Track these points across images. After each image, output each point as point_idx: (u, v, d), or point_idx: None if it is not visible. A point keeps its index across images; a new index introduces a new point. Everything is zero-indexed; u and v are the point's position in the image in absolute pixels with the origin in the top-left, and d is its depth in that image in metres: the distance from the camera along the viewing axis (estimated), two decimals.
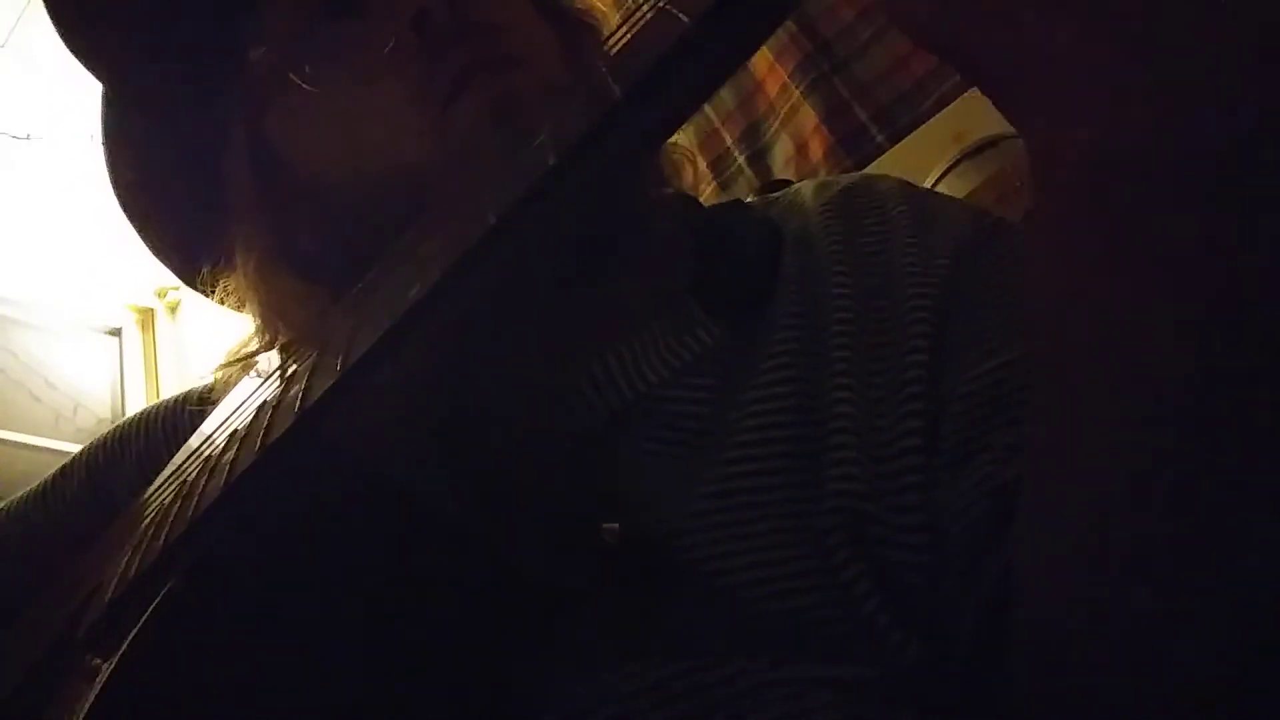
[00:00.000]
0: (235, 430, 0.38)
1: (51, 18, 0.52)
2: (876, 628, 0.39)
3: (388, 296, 0.32)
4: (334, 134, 0.49)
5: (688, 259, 0.51)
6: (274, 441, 0.32)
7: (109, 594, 0.38)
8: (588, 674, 0.39)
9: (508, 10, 0.50)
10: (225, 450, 0.37)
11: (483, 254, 0.29)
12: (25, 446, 2.34)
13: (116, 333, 2.85)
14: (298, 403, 0.32)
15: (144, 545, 0.38)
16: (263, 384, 0.40)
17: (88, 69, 0.55)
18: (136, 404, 2.64)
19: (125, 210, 0.57)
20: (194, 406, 0.58)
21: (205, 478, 0.37)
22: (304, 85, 0.49)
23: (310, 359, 0.35)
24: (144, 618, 0.34)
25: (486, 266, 0.29)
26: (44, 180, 2.44)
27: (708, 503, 0.41)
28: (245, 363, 0.52)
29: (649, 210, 0.54)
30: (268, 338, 0.52)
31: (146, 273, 2.53)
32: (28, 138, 2.40)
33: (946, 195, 0.57)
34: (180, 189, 0.55)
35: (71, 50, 0.53)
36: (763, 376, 0.44)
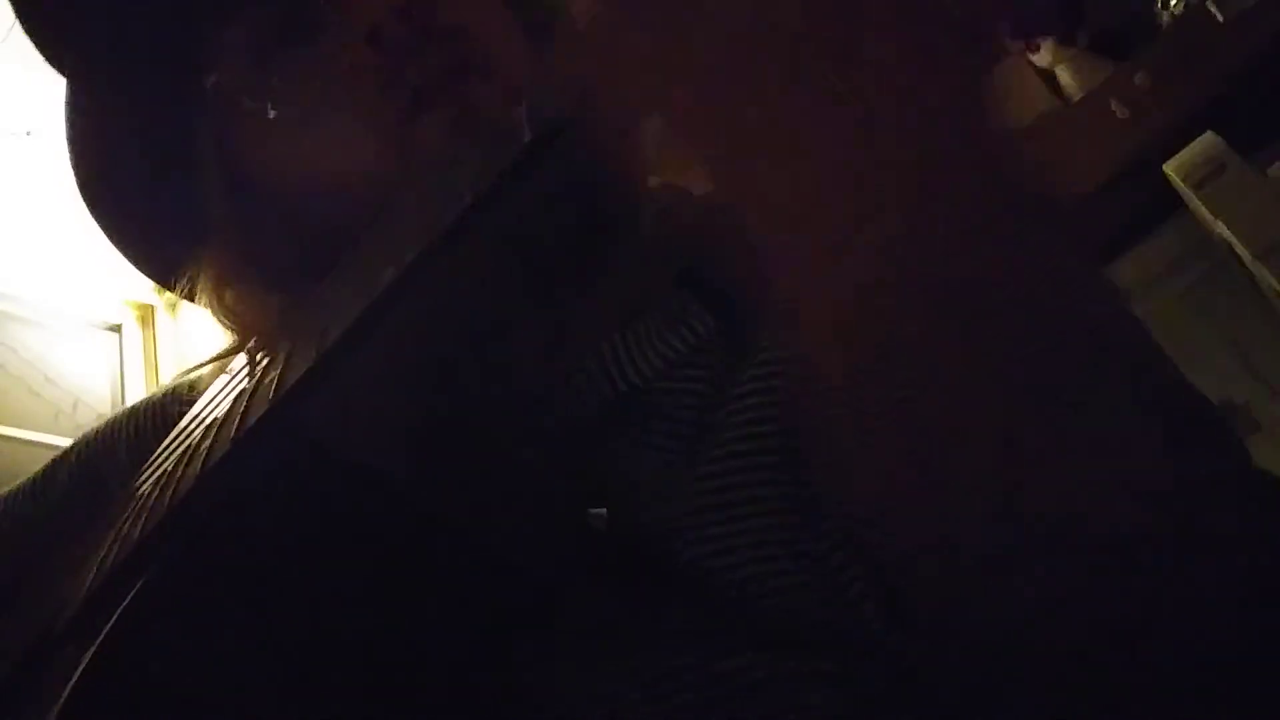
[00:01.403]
0: (214, 419, 0.38)
1: (14, 8, 0.52)
2: (872, 625, 0.38)
3: (361, 281, 0.32)
4: (296, 154, 0.49)
5: (679, 250, 0.51)
6: (249, 428, 0.32)
7: (86, 586, 0.38)
8: (588, 669, 0.38)
9: (473, 12, 0.49)
10: (203, 439, 0.37)
11: (458, 235, 0.29)
12: (25, 442, 2.34)
13: (116, 329, 2.85)
14: (272, 389, 0.31)
15: (122, 536, 0.38)
16: (239, 374, 0.40)
17: (51, 64, 0.54)
18: (136, 400, 2.65)
19: (93, 213, 0.57)
20: (184, 398, 0.58)
21: (183, 467, 0.36)
22: (264, 111, 0.48)
23: (284, 350, 0.35)
24: (120, 609, 0.34)
25: (462, 249, 0.28)
26: (44, 176, 2.44)
27: (702, 499, 0.41)
28: (223, 362, 0.52)
29: (639, 201, 0.53)
30: (242, 341, 0.52)
31: None
32: (28, 134, 2.40)
33: None
34: (149, 196, 0.55)
35: (35, 43, 0.53)
36: (755, 369, 0.44)
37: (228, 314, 0.52)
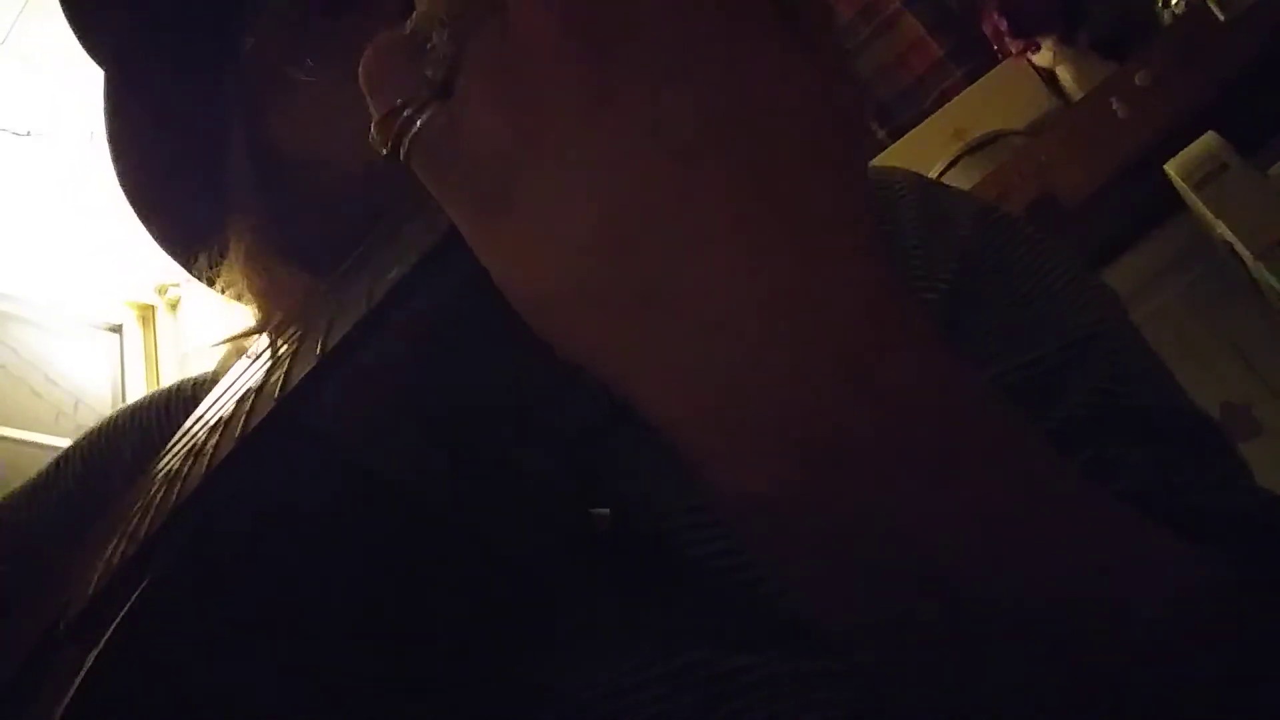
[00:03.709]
0: (220, 418, 0.38)
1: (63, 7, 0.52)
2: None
3: (368, 279, 0.32)
4: (332, 127, 0.49)
5: None
6: (253, 428, 0.32)
7: (92, 585, 0.38)
8: (591, 667, 0.38)
9: None
10: (208, 438, 0.36)
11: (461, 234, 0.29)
12: (26, 443, 2.34)
13: (117, 329, 2.85)
14: (277, 389, 0.31)
15: (128, 535, 0.38)
16: (247, 370, 0.40)
17: (90, 55, 0.55)
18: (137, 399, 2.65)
19: (129, 198, 0.57)
20: (187, 397, 0.58)
21: (188, 466, 0.36)
22: (301, 78, 0.48)
23: (293, 344, 0.35)
24: (126, 609, 0.34)
25: (467, 249, 0.28)
26: (45, 177, 2.44)
27: (707, 498, 0.41)
28: (239, 345, 0.52)
29: None
30: (262, 322, 0.52)
31: (147, 269, 2.54)
32: (28, 134, 2.40)
33: (954, 189, 0.57)
34: (182, 177, 0.55)
35: (78, 35, 0.53)
36: None
37: (254, 292, 0.51)
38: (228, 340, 0.52)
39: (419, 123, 0.26)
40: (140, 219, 0.57)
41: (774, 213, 0.24)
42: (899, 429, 0.24)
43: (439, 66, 0.26)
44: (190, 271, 0.57)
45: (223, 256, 0.53)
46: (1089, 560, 0.26)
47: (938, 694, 0.27)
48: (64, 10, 0.52)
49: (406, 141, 0.27)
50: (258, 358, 0.40)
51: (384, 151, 0.27)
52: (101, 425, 0.61)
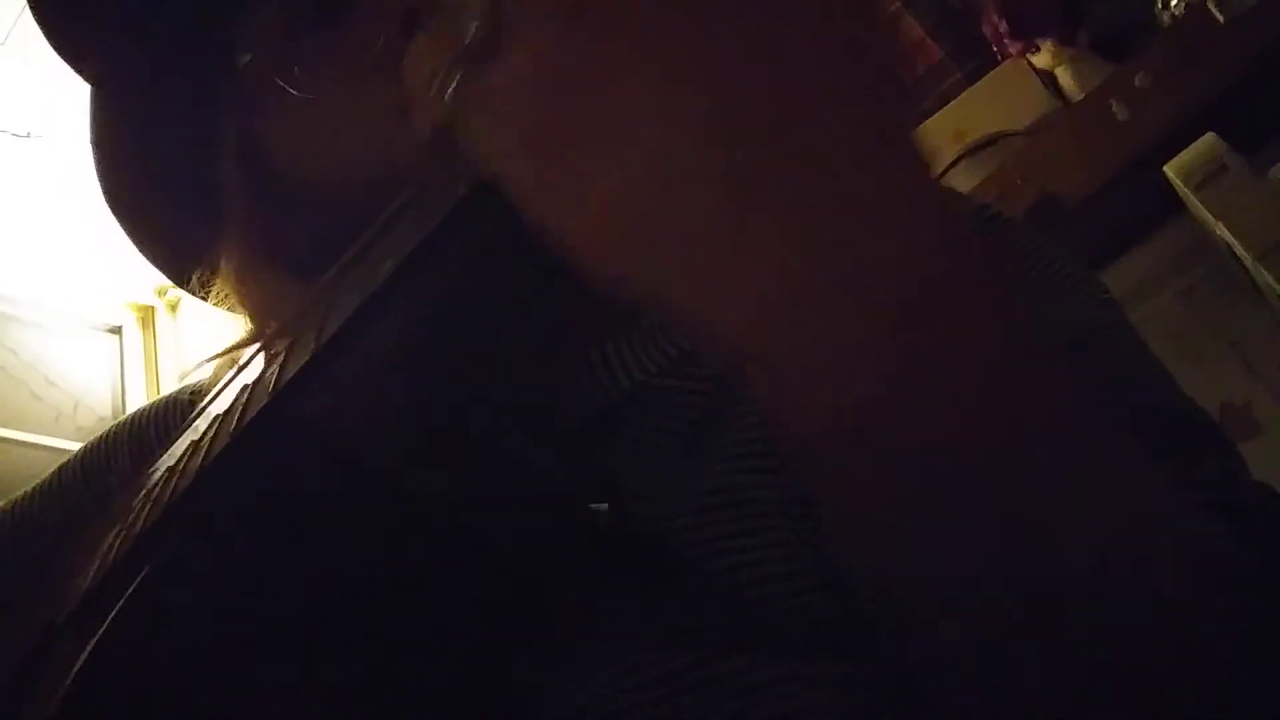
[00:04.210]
0: (216, 413, 0.38)
1: (35, 16, 0.52)
2: (878, 629, 0.38)
3: (361, 274, 0.31)
4: (326, 138, 0.49)
5: None
6: (247, 422, 0.32)
7: (88, 581, 0.38)
8: (587, 668, 0.38)
9: None
10: (205, 433, 0.36)
11: (455, 226, 0.29)
12: (25, 444, 2.34)
13: (117, 330, 2.85)
14: (272, 382, 0.31)
15: (125, 530, 0.38)
16: (243, 368, 0.40)
17: (75, 70, 0.54)
18: (137, 402, 2.64)
19: (115, 214, 0.56)
20: (185, 404, 0.58)
21: (187, 460, 0.36)
22: (290, 88, 0.48)
23: (288, 341, 0.35)
24: (120, 602, 0.34)
25: (461, 240, 0.28)
26: (44, 178, 2.44)
27: (707, 499, 0.41)
28: (234, 357, 0.52)
29: None
30: (256, 333, 0.52)
31: (146, 271, 2.53)
32: (28, 135, 2.40)
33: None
34: (170, 191, 0.55)
35: (57, 50, 0.53)
36: None
37: (248, 303, 0.51)
38: (222, 354, 0.52)
39: (464, 85, 0.26)
40: (131, 239, 0.57)
41: (850, 133, 0.24)
42: (968, 339, 0.25)
43: (478, 27, 0.26)
44: (184, 288, 0.57)
45: (214, 273, 0.53)
46: (1127, 515, 0.27)
47: (995, 674, 0.27)
48: (49, 40, 0.52)
49: (449, 109, 0.27)
50: (251, 359, 0.40)
51: (427, 131, 0.27)
52: (103, 434, 0.61)
